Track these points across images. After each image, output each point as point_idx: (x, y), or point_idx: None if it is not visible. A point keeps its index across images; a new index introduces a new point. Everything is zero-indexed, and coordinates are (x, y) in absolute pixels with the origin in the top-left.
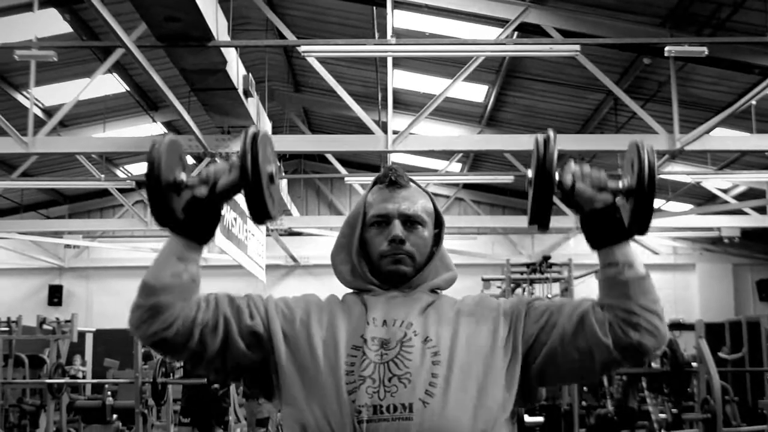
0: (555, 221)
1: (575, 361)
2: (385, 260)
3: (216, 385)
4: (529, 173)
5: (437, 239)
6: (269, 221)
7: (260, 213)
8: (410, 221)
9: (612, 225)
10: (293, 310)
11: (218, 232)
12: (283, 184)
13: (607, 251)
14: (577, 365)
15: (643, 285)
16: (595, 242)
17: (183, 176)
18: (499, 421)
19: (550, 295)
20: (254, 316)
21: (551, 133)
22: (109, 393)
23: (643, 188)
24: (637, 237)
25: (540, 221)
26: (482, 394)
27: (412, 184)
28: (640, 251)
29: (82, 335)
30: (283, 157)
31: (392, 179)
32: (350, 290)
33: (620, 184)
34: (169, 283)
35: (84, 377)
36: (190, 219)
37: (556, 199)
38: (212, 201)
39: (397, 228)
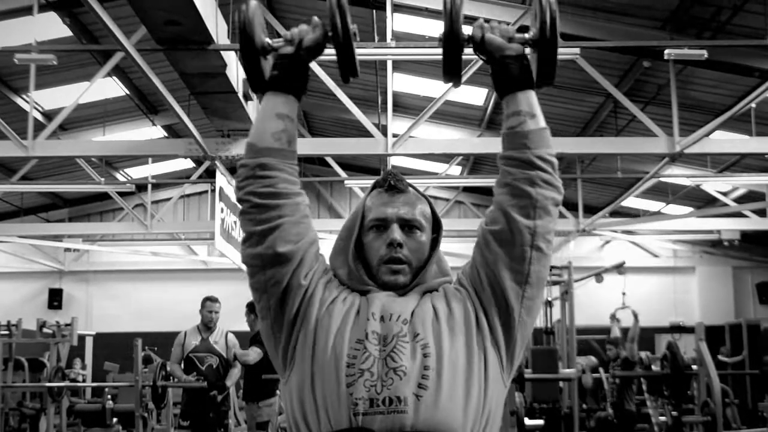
0: (555, 221)
1: (505, 255)
2: (384, 268)
3: (215, 391)
4: (439, 32)
5: (434, 243)
6: (355, 77)
7: (350, 69)
8: (409, 226)
9: (519, 71)
10: (327, 296)
11: (219, 234)
12: None
13: (512, 98)
14: (510, 257)
15: (542, 136)
16: (503, 88)
17: (269, 40)
18: (490, 413)
19: (549, 298)
20: (308, 278)
21: None
22: (109, 396)
23: (545, 37)
24: (634, 236)
25: (453, 75)
26: (470, 385)
27: (410, 188)
28: (639, 254)
29: (82, 339)
30: None
31: (391, 183)
32: None
33: (526, 35)
34: (270, 145)
35: (84, 381)
36: (283, 74)
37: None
38: (299, 58)
39: (396, 232)
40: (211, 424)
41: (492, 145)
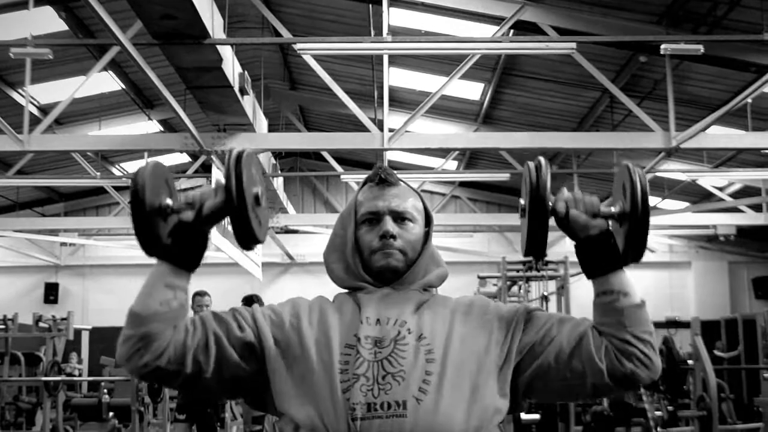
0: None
1: (566, 380)
2: (377, 255)
3: None
4: (522, 201)
5: (427, 237)
6: (255, 245)
7: (246, 237)
8: (400, 217)
9: (607, 252)
10: (281, 315)
11: (214, 230)
12: (279, 181)
13: (602, 279)
14: (567, 384)
15: (639, 314)
16: (590, 270)
17: (169, 201)
18: (491, 422)
19: (546, 293)
20: (243, 328)
21: (542, 160)
22: (105, 391)
23: (636, 212)
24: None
25: (536, 251)
26: (475, 392)
27: (401, 182)
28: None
29: (78, 333)
30: (279, 154)
31: (382, 177)
32: (342, 290)
33: (613, 209)
34: (158, 311)
35: (80, 375)
36: (178, 245)
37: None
38: (199, 225)
39: (388, 223)
40: (208, 417)
41: (488, 139)
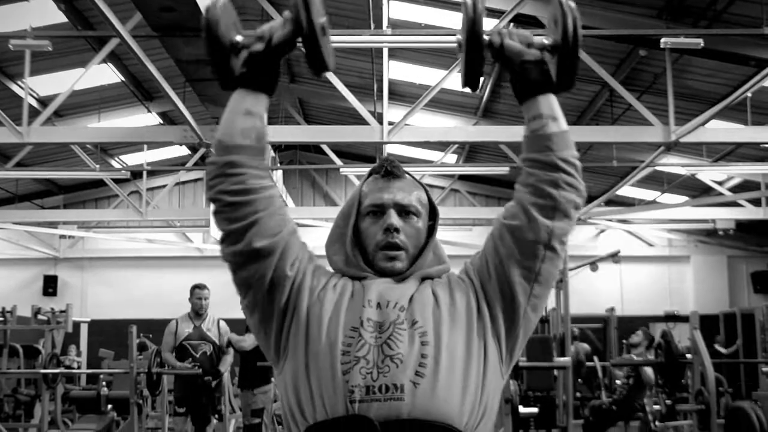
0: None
1: (519, 259)
2: (380, 255)
3: (208, 377)
4: (458, 36)
5: (431, 230)
6: (326, 71)
7: (318, 63)
8: (405, 211)
9: (539, 76)
10: (317, 282)
11: (212, 221)
12: (279, 174)
13: (533, 102)
14: (522, 261)
15: (565, 138)
16: (523, 94)
17: (239, 37)
18: (488, 401)
19: None
20: (294, 268)
21: None
22: (103, 383)
23: (567, 42)
24: (629, 225)
25: (472, 82)
26: (468, 374)
27: (407, 175)
28: (634, 243)
29: (76, 326)
30: (279, 147)
31: (387, 169)
32: None
33: (546, 41)
34: (240, 143)
35: (79, 367)
36: (253, 70)
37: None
38: (270, 55)
39: (393, 217)
40: (205, 410)
41: (488, 133)
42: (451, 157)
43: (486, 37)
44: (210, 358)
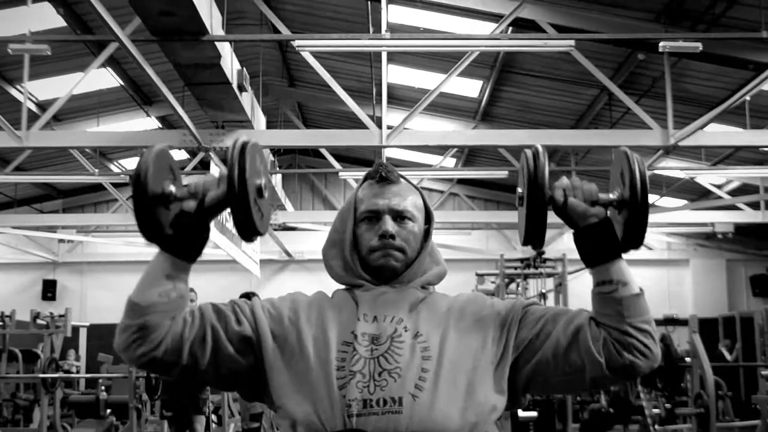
0: (549, 216)
1: (565, 374)
2: (375, 254)
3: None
4: (519, 190)
5: (427, 235)
6: (256, 237)
7: (247, 229)
8: (400, 216)
9: (606, 240)
10: (280, 310)
11: (212, 226)
12: (278, 178)
13: (601, 268)
14: (566, 378)
15: (638, 304)
16: (589, 259)
17: (172, 188)
18: (488, 419)
19: (544, 290)
20: (241, 321)
21: (539, 147)
22: (102, 388)
23: (636, 199)
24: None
25: (535, 240)
26: (471, 390)
27: (402, 180)
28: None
29: (75, 330)
30: (278, 151)
31: (382, 175)
32: (341, 286)
33: (612, 196)
34: (157, 301)
35: (78, 372)
36: (179, 235)
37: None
38: (201, 216)
39: (388, 223)
40: (187, 411)
41: (486, 137)
42: (449, 161)
43: (548, 192)
44: None
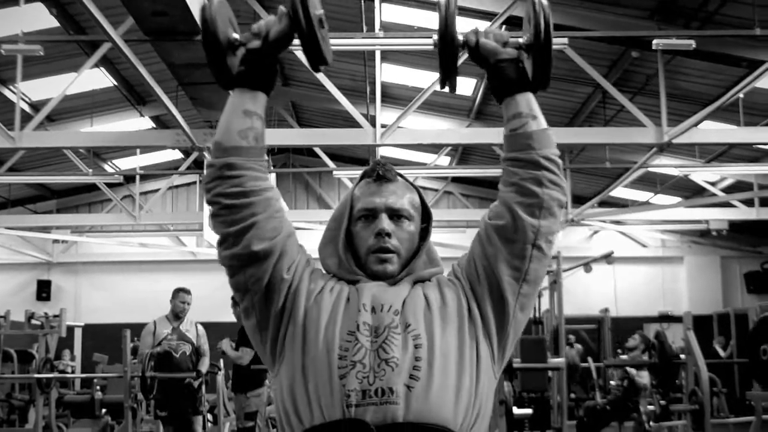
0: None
1: (508, 258)
2: (372, 258)
3: (189, 378)
4: (434, 37)
5: (424, 234)
6: (324, 65)
7: (316, 57)
8: (397, 215)
9: (515, 73)
10: (314, 288)
11: (207, 226)
12: (272, 178)
13: (511, 101)
14: (510, 259)
15: (546, 136)
16: (501, 93)
17: (236, 35)
18: (484, 404)
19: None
20: (291, 272)
21: None
22: (98, 388)
23: (539, 41)
24: (622, 226)
25: (449, 82)
26: (460, 376)
27: (399, 178)
28: (628, 244)
29: (70, 330)
30: (271, 151)
31: (379, 173)
32: None
33: (520, 40)
34: (237, 143)
35: (73, 372)
36: (250, 70)
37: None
38: (267, 52)
39: (384, 222)
40: (185, 412)
41: (481, 135)
42: (444, 159)
43: (461, 37)
44: (189, 358)
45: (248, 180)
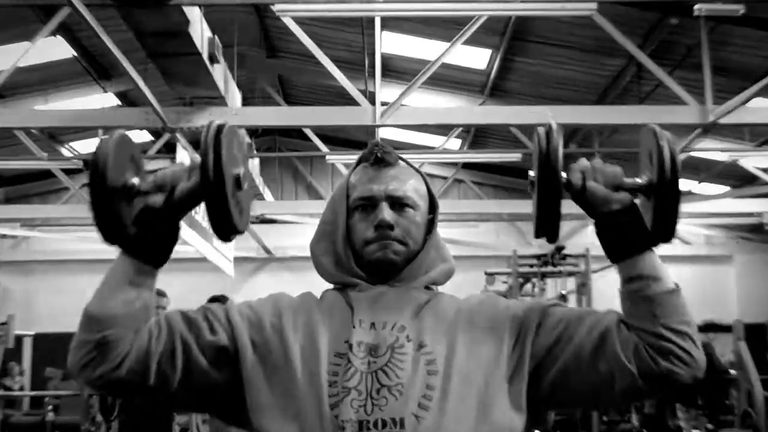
0: (569, 206)
1: (592, 385)
2: (371, 247)
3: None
4: (531, 174)
5: (431, 226)
6: (234, 236)
7: (224, 227)
8: (399, 204)
9: (633, 230)
10: (260, 314)
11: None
12: (256, 163)
13: (628, 263)
14: (593, 390)
15: (673, 302)
16: (614, 253)
17: (135, 180)
18: None
19: (564, 291)
20: (216, 330)
21: (553, 123)
22: (50, 407)
23: (664, 182)
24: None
25: (548, 232)
26: (484, 409)
27: (401, 162)
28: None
29: (19, 340)
30: (255, 132)
31: (378, 156)
32: (331, 286)
33: (639, 180)
34: (119, 313)
35: (21, 389)
36: (144, 234)
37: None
38: (169, 212)
39: (385, 211)
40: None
41: (496, 114)
42: (454, 143)
43: (564, 175)
44: None
45: (134, 358)
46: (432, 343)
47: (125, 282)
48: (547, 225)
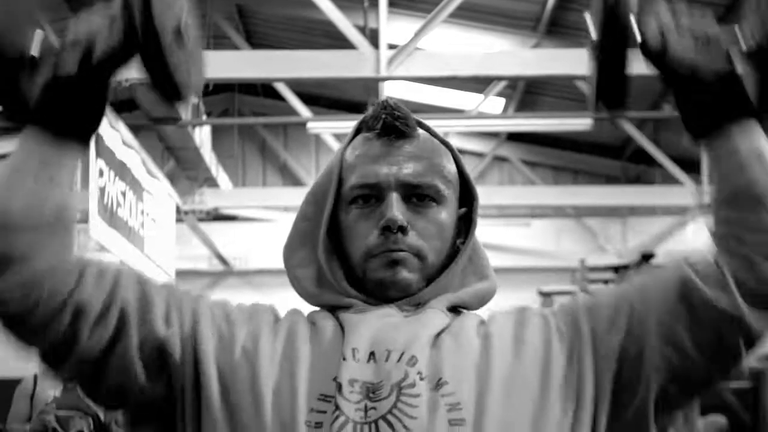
0: (664, 194)
1: (700, 360)
2: (374, 262)
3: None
4: (593, 31)
5: (466, 225)
6: (182, 99)
7: (166, 87)
8: (418, 195)
9: (728, 100)
10: (234, 332)
11: (95, 213)
12: (205, 132)
13: (722, 143)
14: (705, 364)
15: None
16: (700, 128)
17: (37, 41)
18: None
19: None
20: (172, 323)
21: None
22: None
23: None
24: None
25: (611, 99)
26: None
27: (421, 131)
28: None
29: None
30: (206, 88)
31: (387, 123)
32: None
33: (739, 35)
34: (26, 212)
35: None
36: (55, 105)
37: None
38: (89, 79)
39: (395, 207)
40: None
41: (555, 61)
42: (494, 104)
43: (637, 34)
44: None
45: (46, 290)
46: (455, 380)
47: (35, 163)
48: (609, 91)
